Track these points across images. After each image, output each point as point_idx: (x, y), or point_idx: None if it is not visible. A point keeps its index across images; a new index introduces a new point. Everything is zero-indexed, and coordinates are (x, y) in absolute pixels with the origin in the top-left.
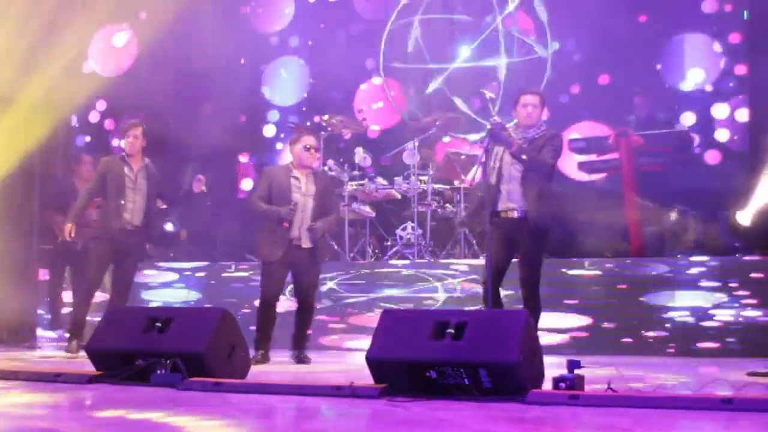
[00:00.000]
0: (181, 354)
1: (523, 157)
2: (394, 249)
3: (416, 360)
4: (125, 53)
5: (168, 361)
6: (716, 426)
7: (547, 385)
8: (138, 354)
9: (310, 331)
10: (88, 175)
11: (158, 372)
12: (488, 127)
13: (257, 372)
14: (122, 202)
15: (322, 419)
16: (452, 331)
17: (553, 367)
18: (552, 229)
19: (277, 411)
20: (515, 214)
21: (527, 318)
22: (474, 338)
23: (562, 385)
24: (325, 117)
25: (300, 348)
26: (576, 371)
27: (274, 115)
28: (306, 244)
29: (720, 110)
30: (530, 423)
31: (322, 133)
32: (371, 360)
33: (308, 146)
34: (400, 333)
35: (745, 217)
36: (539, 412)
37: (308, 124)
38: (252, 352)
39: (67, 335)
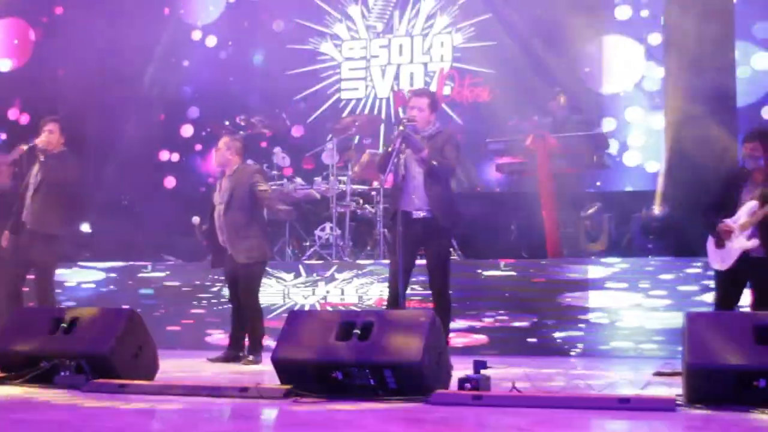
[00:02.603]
0: (86, 355)
1: (434, 162)
2: (313, 249)
3: (322, 361)
4: (35, 48)
5: (72, 363)
6: (611, 425)
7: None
8: (43, 355)
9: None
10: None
11: (62, 374)
12: (400, 128)
13: (164, 374)
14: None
15: (223, 421)
16: (358, 331)
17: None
18: (456, 228)
19: (178, 413)
20: (420, 215)
21: (433, 319)
22: (379, 339)
23: (468, 385)
24: (243, 116)
25: (248, 349)
26: (482, 371)
27: (193, 114)
28: (228, 250)
29: (637, 113)
30: (430, 423)
31: (241, 132)
32: (277, 361)
33: (217, 147)
34: (306, 334)
35: (657, 208)
36: (442, 412)
37: (227, 123)
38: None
39: None
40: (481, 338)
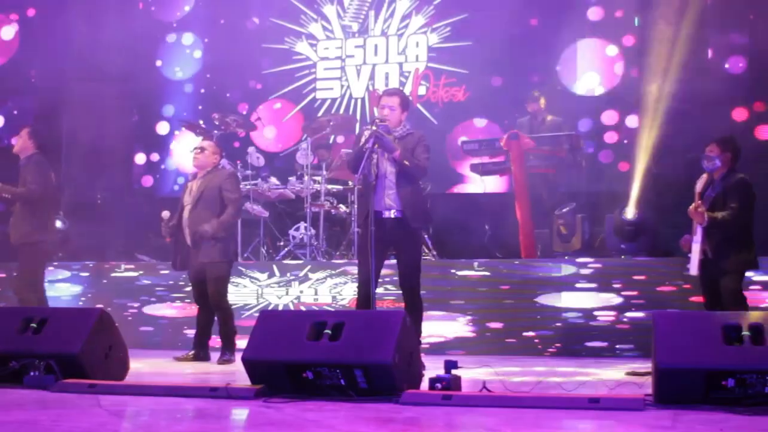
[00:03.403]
0: (55, 355)
1: (406, 162)
2: (287, 249)
3: (293, 361)
4: (11, 46)
5: (42, 363)
6: (580, 424)
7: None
8: (12, 355)
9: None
10: None
11: (32, 374)
12: (373, 128)
13: (136, 374)
14: None
15: (192, 421)
16: (329, 331)
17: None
18: (426, 228)
19: (147, 413)
20: (391, 214)
21: (404, 319)
22: (350, 339)
23: (438, 385)
24: (217, 115)
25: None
26: (453, 371)
27: (168, 113)
28: (194, 250)
29: (611, 114)
30: (399, 423)
31: (215, 132)
32: (247, 361)
33: (193, 148)
34: (277, 334)
35: (630, 212)
36: (412, 412)
37: (201, 122)
38: None
39: None
40: (455, 338)
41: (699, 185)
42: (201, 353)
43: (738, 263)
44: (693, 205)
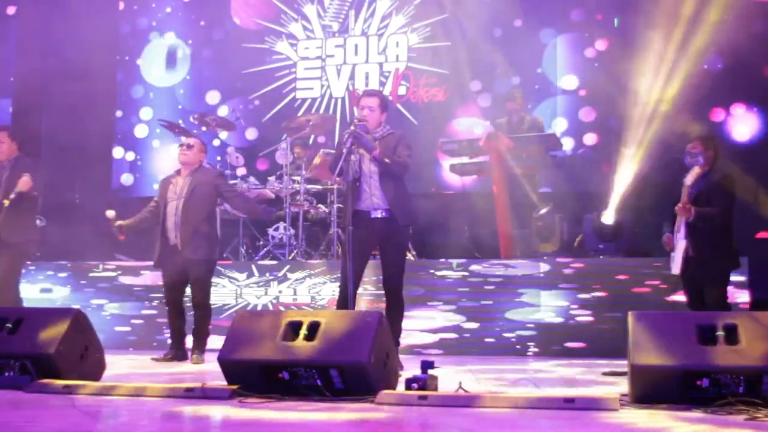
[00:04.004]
0: (30, 355)
1: (386, 160)
2: (266, 249)
3: (268, 361)
4: None
5: (17, 363)
6: (554, 424)
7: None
8: None
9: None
10: None
11: (6, 374)
12: (352, 128)
13: (112, 374)
14: None
15: (167, 421)
16: (305, 332)
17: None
18: (413, 225)
19: (122, 413)
20: (379, 214)
21: (380, 319)
22: (326, 339)
23: (414, 385)
24: (196, 115)
25: (194, 348)
26: (429, 372)
27: (147, 113)
28: (180, 246)
29: (591, 115)
30: (374, 424)
31: (195, 131)
32: (223, 361)
33: (181, 143)
34: (253, 334)
35: (608, 216)
36: (387, 412)
37: (180, 122)
38: None
39: None
40: (434, 338)
41: (690, 179)
42: (179, 353)
43: (722, 270)
44: (681, 201)
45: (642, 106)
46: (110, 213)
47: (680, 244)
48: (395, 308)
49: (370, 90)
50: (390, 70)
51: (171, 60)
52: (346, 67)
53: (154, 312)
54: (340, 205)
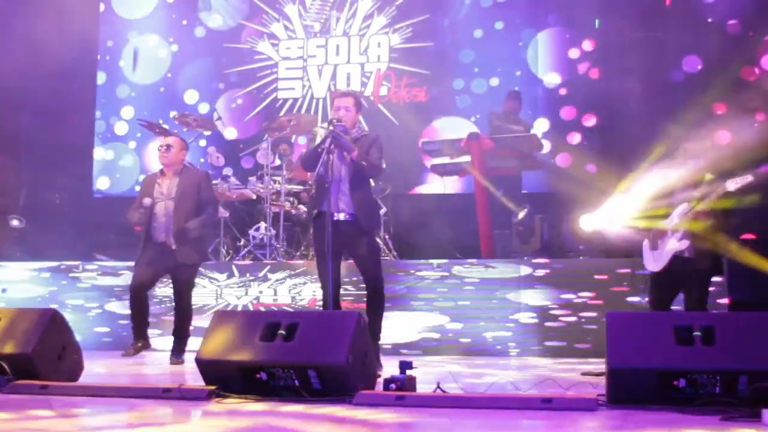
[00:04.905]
0: (7, 356)
1: (363, 163)
2: (247, 249)
3: (246, 362)
4: None
5: None
6: (532, 424)
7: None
8: None
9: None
10: None
11: None
12: (330, 128)
13: (90, 375)
14: None
15: (144, 422)
16: (283, 332)
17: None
18: (376, 229)
19: (99, 414)
20: (342, 216)
21: (358, 319)
22: (304, 340)
23: (393, 386)
24: (174, 114)
25: (175, 349)
26: (408, 372)
27: (128, 112)
28: (173, 246)
29: (572, 116)
30: (351, 424)
31: (175, 131)
32: (201, 362)
33: (160, 145)
34: (231, 334)
35: (589, 221)
36: (364, 413)
37: (161, 122)
38: None
39: None
40: (414, 338)
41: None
42: (146, 342)
43: (711, 273)
44: (703, 203)
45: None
46: (147, 200)
47: (671, 243)
48: (376, 306)
49: (344, 90)
50: (371, 70)
51: (152, 59)
52: (327, 67)
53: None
54: (309, 206)
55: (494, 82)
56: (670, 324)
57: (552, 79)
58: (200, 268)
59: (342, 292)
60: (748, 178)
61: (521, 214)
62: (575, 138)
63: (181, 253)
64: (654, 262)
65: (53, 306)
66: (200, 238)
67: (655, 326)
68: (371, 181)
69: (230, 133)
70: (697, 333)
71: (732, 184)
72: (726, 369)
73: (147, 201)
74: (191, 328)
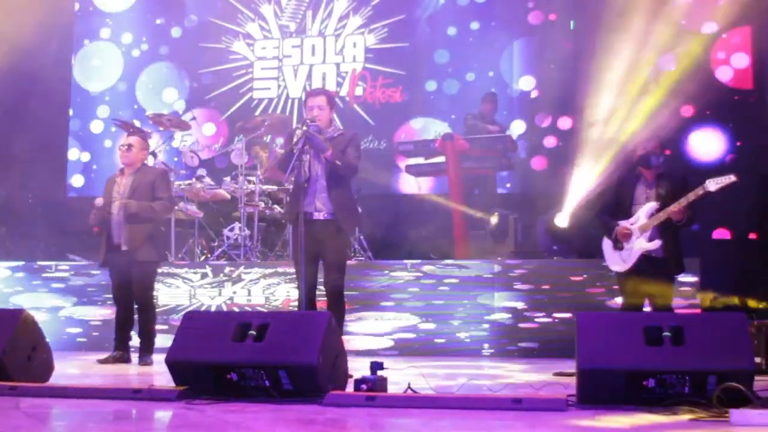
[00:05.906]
0: None
1: (337, 162)
2: (221, 249)
3: (216, 362)
4: None
5: None
6: (502, 424)
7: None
8: None
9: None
10: None
11: None
12: (304, 128)
13: (60, 376)
14: None
15: (114, 423)
16: (254, 332)
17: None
18: (356, 229)
19: (68, 415)
20: (321, 216)
21: (329, 320)
22: (275, 340)
23: (364, 386)
24: (149, 113)
25: (141, 350)
26: (379, 372)
27: (103, 111)
28: (124, 246)
29: (547, 118)
30: (321, 425)
31: (149, 131)
32: (171, 362)
33: (121, 144)
34: (202, 334)
35: (561, 220)
36: (334, 413)
37: (135, 121)
38: None
39: None
40: (387, 339)
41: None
42: (125, 355)
43: (677, 272)
44: (679, 203)
45: (597, 108)
46: (99, 200)
47: (640, 242)
48: (337, 310)
49: (316, 89)
50: (347, 70)
51: (127, 59)
52: (303, 67)
53: (108, 312)
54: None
55: (470, 82)
56: (640, 324)
57: (527, 80)
58: (173, 269)
59: (318, 293)
60: (730, 178)
61: (493, 220)
62: (550, 141)
63: (131, 249)
64: (622, 262)
65: (22, 306)
66: (156, 236)
67: (624, 327)
68: None
69: (208, 129)
70: (666, 333)
71: (713, 185)
72: (695, 369)
73: (98, 201)
74: (154, 327)
